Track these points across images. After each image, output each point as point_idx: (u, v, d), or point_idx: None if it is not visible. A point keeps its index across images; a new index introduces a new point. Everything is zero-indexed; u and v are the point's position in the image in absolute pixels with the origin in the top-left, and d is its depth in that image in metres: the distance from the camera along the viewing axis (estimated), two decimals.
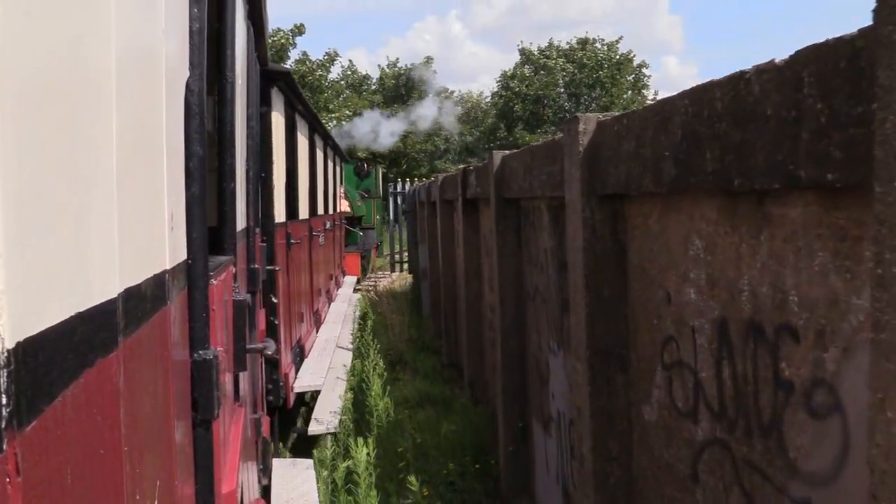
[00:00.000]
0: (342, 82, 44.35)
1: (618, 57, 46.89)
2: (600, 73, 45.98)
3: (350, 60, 55.13)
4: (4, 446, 0.72)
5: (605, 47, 47.14)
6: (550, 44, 48.11)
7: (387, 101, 45.66)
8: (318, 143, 11.48)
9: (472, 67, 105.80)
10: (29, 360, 0.78)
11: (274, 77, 6.60)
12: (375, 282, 20.83)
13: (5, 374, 0.72)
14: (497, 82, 49.36)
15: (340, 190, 17.95)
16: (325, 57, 42.62)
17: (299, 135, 8.75)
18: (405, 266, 22.95)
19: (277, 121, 6.91)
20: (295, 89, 7.85)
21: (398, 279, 21.49)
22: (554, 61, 46.43)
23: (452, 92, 51.03)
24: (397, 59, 49.88)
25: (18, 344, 0.75)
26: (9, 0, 0.76)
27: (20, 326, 0.76)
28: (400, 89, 47.11)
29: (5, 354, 0.72)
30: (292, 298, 7.55)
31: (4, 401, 0.72)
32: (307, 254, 9.12)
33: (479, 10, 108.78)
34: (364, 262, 21.37)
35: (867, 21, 1.47)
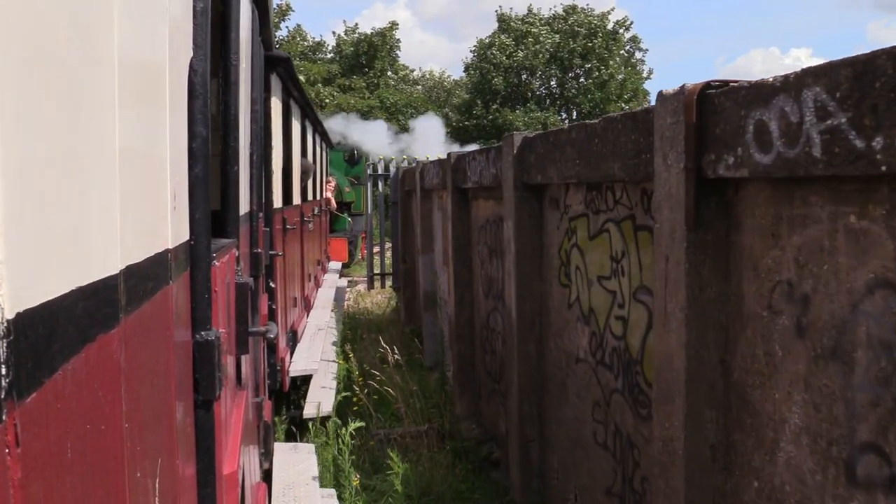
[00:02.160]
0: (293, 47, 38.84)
1: (612, 25, 41.23)
2: (594, 41, 39.74)
3: (299, 24, 47.00)
4: (4, 417, 0.72)
5: (597, 16, 40.75)
6: (530, 10, 41.42)
7: (344, 72, 39.27)
8: (309, 128, 11.56)
9: (421, 55, 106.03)
10: (29, 332, 0.78)
11: (273, 62, 6.60)
12: (353, 290, 16.48)
13: (5, 345, 0.72)
14: (471, 52, 42.12)
15: (330, 183, 17.96)
16: (275, 10, 38.44)
17: (293, 120, 8.84)
18: (387, 281, 16.44)
19: (276, 106, 6.93)
20: (292, 75, 7.91)
21: (379, 295, 15.60)
22: (538, 29, 40.30)
23: (412, 70, 45.02)
24: (356, 24, 42.82)
25: (18, 315, 0.75)
26: None
27: (20, 297, 0.76)
28: (360, 58, 40.15)
29: (5, 325, 0.72)
30: (287, 283, 7.58)
31: (4, 371, 0.72)
32: (300, 239, 9.17)
33: None
34: (352, 247, 21.54)
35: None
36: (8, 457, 0.73)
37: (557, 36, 40.07)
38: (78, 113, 1.00)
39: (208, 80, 2.02)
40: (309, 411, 6.74)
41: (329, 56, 41.25)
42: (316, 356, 8.03)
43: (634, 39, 42.53)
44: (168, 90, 1.60)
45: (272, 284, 5.98)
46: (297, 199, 8.86)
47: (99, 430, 1.05)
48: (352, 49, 40.43)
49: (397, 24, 41.28)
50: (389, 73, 40.63)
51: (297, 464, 5.45)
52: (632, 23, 42.31)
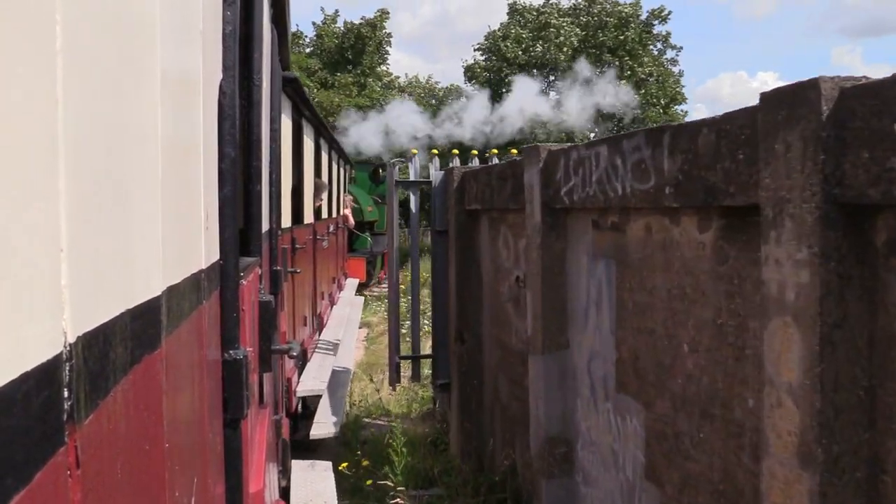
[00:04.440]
0: None
1: (646, 16, 35.31)
2: (627, 33, 34.07)
3: None
4: (66, 439, 0.73)
5: (630, 4, 34.92)
6: (547, 0, 35.73)
7: (327, 67, 33.93)
8: (324, 146, 11.68)
9: (396, 74, 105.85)
10: (87, 355, 0.79)
11: (283, 82, 6.68)
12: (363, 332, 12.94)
13: (68, 368, 0.73)
14: (477, 49, 36.52)
15: (347, 199, 18.01)
16: None
17: (305, 138, 8.99)
18: (425, 371, 8.27)
19: (285, 126, 7.00)
20: (302, 95, 8.05)
21: (405, 400, 9.24)
22: (557, 20, 34.65)
23: (398, 77, 39.30)
24: (336, 11, 36.60)
25: (79, 338, 0.76)
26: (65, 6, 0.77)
27: (80, 321, 0.77)
28: (345, 52, 34.29)
29: (67, 348, 0.73)
30: (296, 303, 7.59)
31: (66, 394, 0.73)
32: (311, 258, 9.22)
33: (403, 19, 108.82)
34: (370, 267, 21.35)
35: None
36: (69, 479, 0.74)
37: (579, 29, 34.43)
38: (127, 138, 1.01)
39: (237, 102, 2.04)
40: (316, 432, 6.65)
41: (307, 50, 35.27)
42: (325, 376, 7.97)
43: (665, 37, 36.49)
44: (202, 111, 1.62)
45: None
46: (308, 218, 8.95)
47: (144, 450, 1.06)
48: (336, 41, 34.39)
49: (388, 13, 34.96)
50: (373, 73, 35.30)
51: (314, 482, 5.44)
52: (670, 13, 35.47)
